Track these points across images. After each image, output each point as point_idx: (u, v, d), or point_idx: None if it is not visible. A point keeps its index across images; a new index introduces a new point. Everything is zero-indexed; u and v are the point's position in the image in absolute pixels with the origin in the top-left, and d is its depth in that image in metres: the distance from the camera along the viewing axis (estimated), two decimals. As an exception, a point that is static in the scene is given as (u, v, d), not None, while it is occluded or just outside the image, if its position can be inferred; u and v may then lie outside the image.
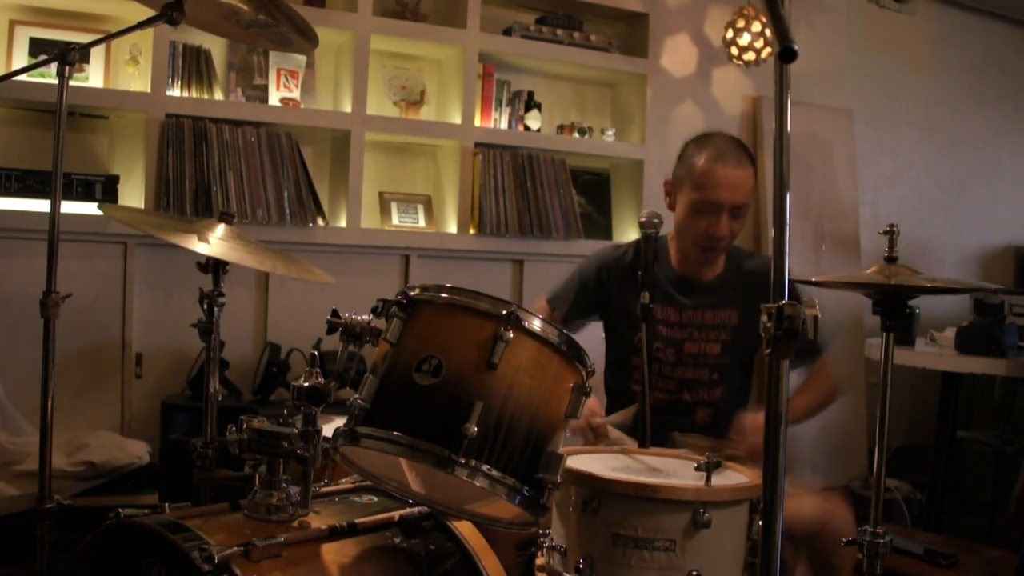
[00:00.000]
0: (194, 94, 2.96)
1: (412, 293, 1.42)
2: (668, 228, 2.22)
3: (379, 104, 3.29)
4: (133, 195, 2.88)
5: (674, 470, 1.62)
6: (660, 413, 2.05)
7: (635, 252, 2.30)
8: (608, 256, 2.34)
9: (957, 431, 3.56)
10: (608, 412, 2.33)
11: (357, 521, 1.46)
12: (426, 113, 3.40)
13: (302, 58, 3.14)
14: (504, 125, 3.47)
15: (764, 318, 1.01)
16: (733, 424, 1.94)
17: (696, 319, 2.20)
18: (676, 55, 3.86)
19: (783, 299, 1.01)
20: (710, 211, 2.08)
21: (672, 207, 2.22)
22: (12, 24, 2.81)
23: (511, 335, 1.34)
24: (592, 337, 2.35)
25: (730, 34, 3.60)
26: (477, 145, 3.32)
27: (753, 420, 1.90)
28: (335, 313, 1.44)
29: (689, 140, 2.24)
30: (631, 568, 1.42)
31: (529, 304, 1.43)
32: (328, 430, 1.46)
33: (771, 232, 1.03)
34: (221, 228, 1.90)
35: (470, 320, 1.37)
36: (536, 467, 1.36)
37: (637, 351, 2.20)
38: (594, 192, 3.67)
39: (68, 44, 1.81)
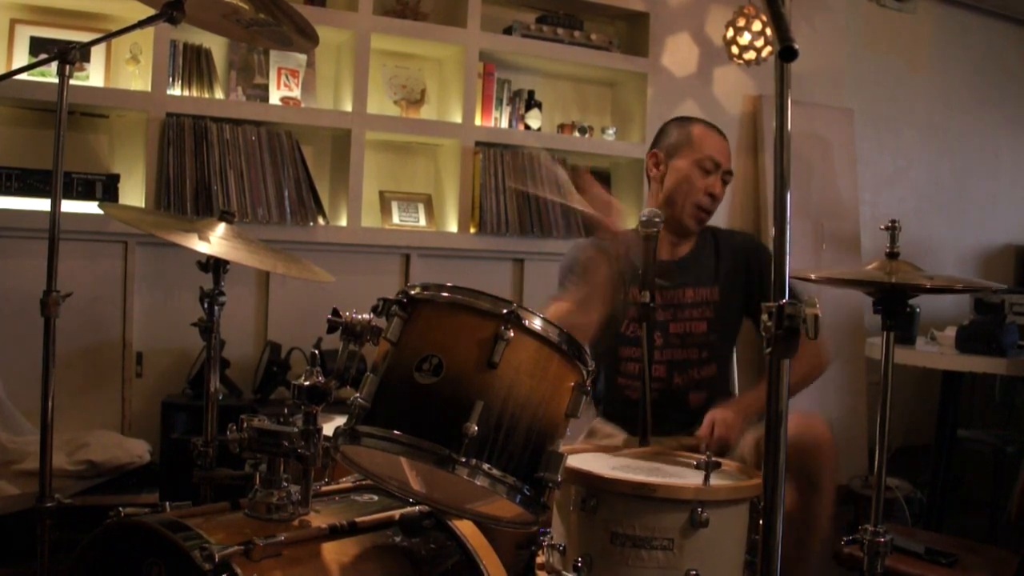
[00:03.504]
0: (194, 93, 2.96)
1: (413, 292, 1.42)
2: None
3: (379, 103, 3.29)
4: (134, 194, 2.88)
5: (673, 469, 1.62)
6: (653, 403, 2.06)
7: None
8: (591, 246, 2.34)
9: (957, 430, 3.55)
10: (607, 417, 2.34)
11: (358, 520, 1.46)
12: (426, 112, 3.40)
13: (302, 57, 3.14)
14: (504, 124, 3.47)
15: (764, 317, 1.01)
16: (704, 420, 1.97)
17: (676, 298, 2.22)
18: (676, 54, 3.85)
19: (783, 298, 1.01)
20: (712, 169, 2.22)
21: (660, 178, 2.28)
22: (12, 23, 2.81)
23: (511, 334, 1.35)
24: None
25: (730, 33, 3.60)
26: (477, 144, 3.32)
27: (722, 415, 1.94)
28: (335, 312, 1.44)
29: (668, 122, 2.36)
30: (629, 567, 1.42)
31: (530, 304, 1.43)
32: (328, 429, 1.46)
33: (771, 231, 1.03)
34: (222, 227, 1.90)
35: (471, 319, 1.37)
36: (537, 466, 1.36)
37: (626, 341, 2.23)
38: (594, 191, 3.67)
39: (68, 43, 1.81)
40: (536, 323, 1.38)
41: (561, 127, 3.57)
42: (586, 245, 2.30)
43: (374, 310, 1.43)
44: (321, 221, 3.07)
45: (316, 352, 1.47)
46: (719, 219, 2.37)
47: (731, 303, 2.24)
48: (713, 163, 2.22)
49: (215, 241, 1.85)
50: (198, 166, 2.85)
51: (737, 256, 2.28)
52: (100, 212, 2.72)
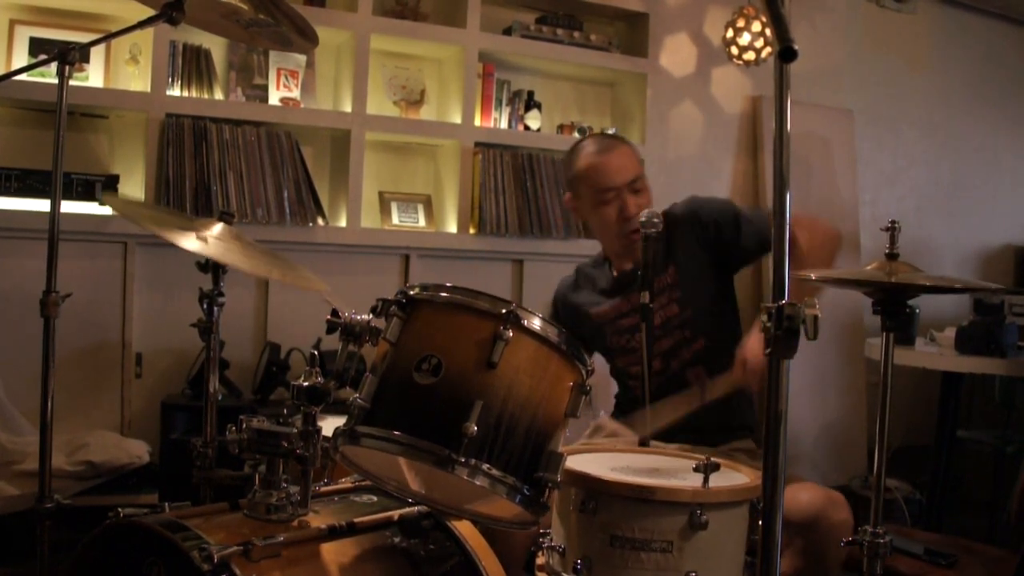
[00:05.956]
0: (194, 94, 2.96)
1: (412, 292, 1.42)
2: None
3: (379, 104, 3.29)
4: (133, 194, 2.88)
5: (673, 471, 1.62)
6: (659, 393, 2.08)
7: (577, 272, 2.44)
8: (558, 291, 2.44)
9: (957, 431, 3.56)
10: (616, 416, 2.36)
11: (356, 521, 1.46)
12: (426, 113, 3.40)
13: (302, 58, 3.13)
14: (504, 125, 3.47)
15: (764, 318, 1.01)
16: (734, 361, 1.95)
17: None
18: (676, 55, 3.85)
19: (783, 299, 1.01)
20: (612, 197, 2.20)
21: (581, 218, 2.37)
22: (12, 24, 2.81)
23: (511, 334, 1.35)
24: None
25: (730, 34, 3.60)
26: (477, 145, 3.31)
27: (747, 349, 1.91)
28: (335, 313, 1.44)
29: (565, 155, 2.37)
30: (628, 569, 1.42)
31: (529, 304, 1.43)
32: (328, 429, 1.46)
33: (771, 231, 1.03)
34: (219, 227, 1.89)
35: (470, 319, 1.37)
36: (536, 466, 1.36)
37: (620, 351, 2.29)
38: (594, 192, 3.67)
39: (68, 44, 1.81)
40: (535, 323, 1.38)
41: (561, 127, 3.57)
42: (563, 294, 2.42)
43: (373, 311, 1.43)
44: (320, 222, 3.07)
45: (315, 353, 1.46)
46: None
47: (692, 272, 2.23)
48: (610, 192, 2.19)
49: (211, 243, 1.84)
50: (198, 167, 2.85)
51: (680, 225, 2.25)
52: (100, 213, 2.72)
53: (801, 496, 1.88)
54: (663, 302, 2.23)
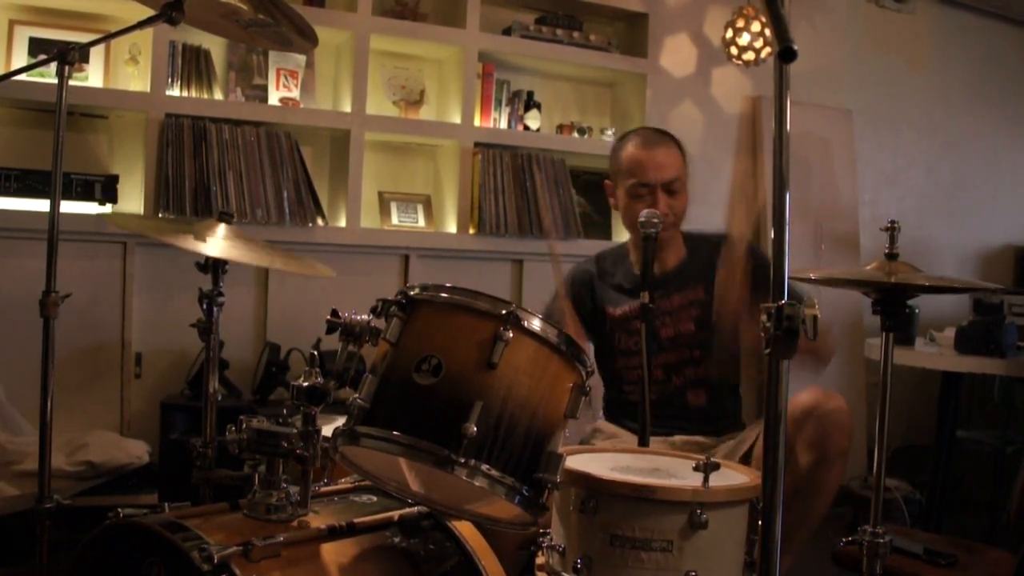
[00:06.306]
0: (194, 94, 2.96)
1: (411, 293, 1.42)
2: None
3: (379, 104, 3.29)
4: (133, 195, 2.88)
5: (673, 470, 1.62)
6: (654, 405, 2.08)
7: (597, 261, 2.43)
8: (576, 273, 2.43)
9: (957, 431, 3.55)
10: (610, 418, 2.37)
11: (356, 521, 1.46)
12: (426, 113, 3.40)
13: (301, 58, 3.13)
14: (504, 125, 3.47)
15: (763, 318, 1.01)
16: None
17: (664, 306, 2.23)
18: (675, 55, 3.85)
19: (782, 298, 1.01)
20: (645, 192, 2.21)
21: (616, 206, 2.34)
22: (12, 24, 2.81)
23: (510, 335, 1.35)
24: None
25: (730, 34, 3.60)
26: (477, 145, 3.31)
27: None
28: (335, 313, 1.44)
29: (615, 141, 2.38)
30: (628, 568, 1.42)
31: (529, 304, 1.43)
32: (327, 430, 1.46)
33: (771, 232, 1.03)
34: (221, 228, 1.90)
35: (469, 320, 1.37)
36: (536, 467, 1.36)
37: (623, 353, 2.30)
38: (593, 192, 3.66)
39: (68, 44, 1.81)
40: (535, 324, 1.38)
41: (560, 128, 3.57)
42: (579, 281, 2.41)
43: (373, 311, 1.43)
44: (320, 222, 3.07)
45: (315, 353, 1.47)
46: (717, 218, 2.36)
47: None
48: (645, 187, 2.20)
49: (215, 241, 1.84)
50: (197, 167, 2.85)
51: (716, 254, 2.26)
52: (99, 213, 2.72)
53: (801, 396, 1.99)
54: (682, 316, 2.23)
